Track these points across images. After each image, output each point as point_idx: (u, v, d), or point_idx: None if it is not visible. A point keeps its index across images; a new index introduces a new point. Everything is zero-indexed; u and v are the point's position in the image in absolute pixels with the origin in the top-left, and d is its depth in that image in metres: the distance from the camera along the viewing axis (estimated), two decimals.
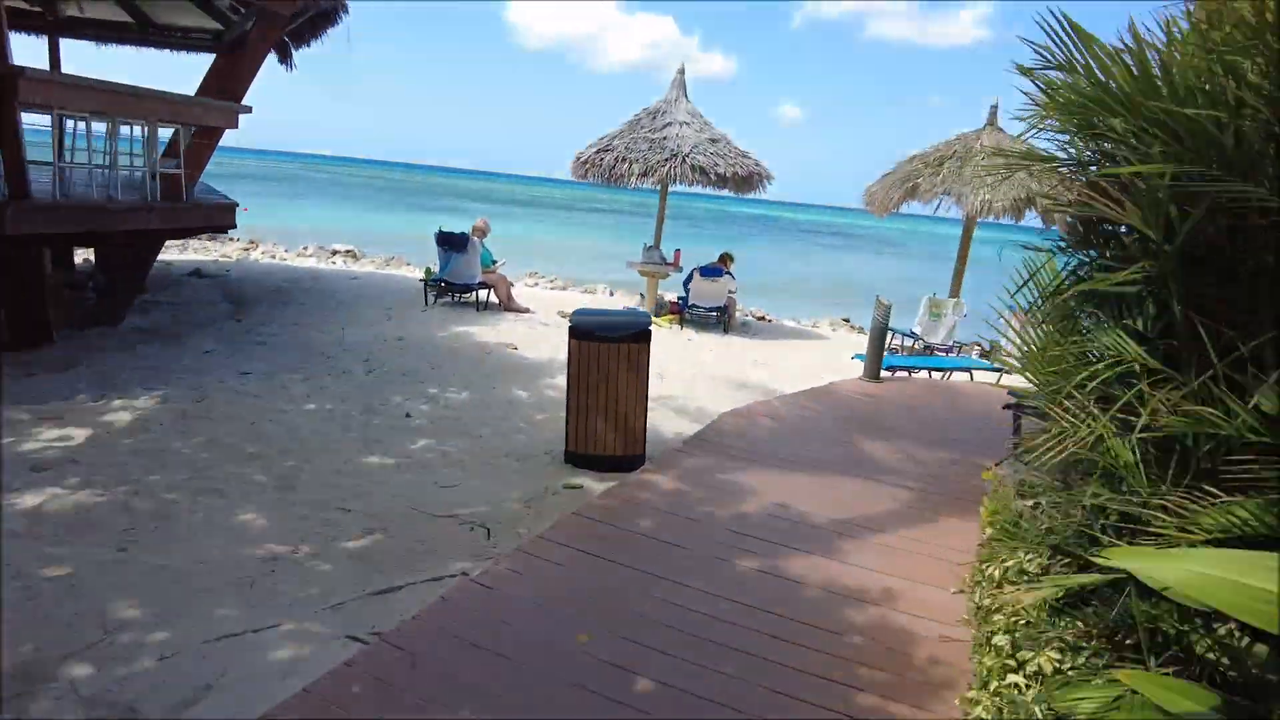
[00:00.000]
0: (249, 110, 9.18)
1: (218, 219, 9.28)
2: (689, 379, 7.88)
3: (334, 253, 17.62)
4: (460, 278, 10.31)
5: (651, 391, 7.37)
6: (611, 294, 15.76)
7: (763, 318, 15.12)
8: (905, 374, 8.91)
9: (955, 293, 12.20)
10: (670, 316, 11.83)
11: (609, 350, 5.00)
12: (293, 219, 30.76)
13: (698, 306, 11.47)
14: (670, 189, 11.85)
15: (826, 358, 10.63)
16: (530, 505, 4.50)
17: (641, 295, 12.68)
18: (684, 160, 10.69)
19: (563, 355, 6.98)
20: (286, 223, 28.60)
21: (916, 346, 11.63)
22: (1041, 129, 3.05)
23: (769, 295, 19.52)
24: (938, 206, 11.86)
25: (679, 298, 11.96)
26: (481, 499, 4.53)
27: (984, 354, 12.59)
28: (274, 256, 15.84)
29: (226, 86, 9.27)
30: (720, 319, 11.62)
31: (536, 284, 16.29)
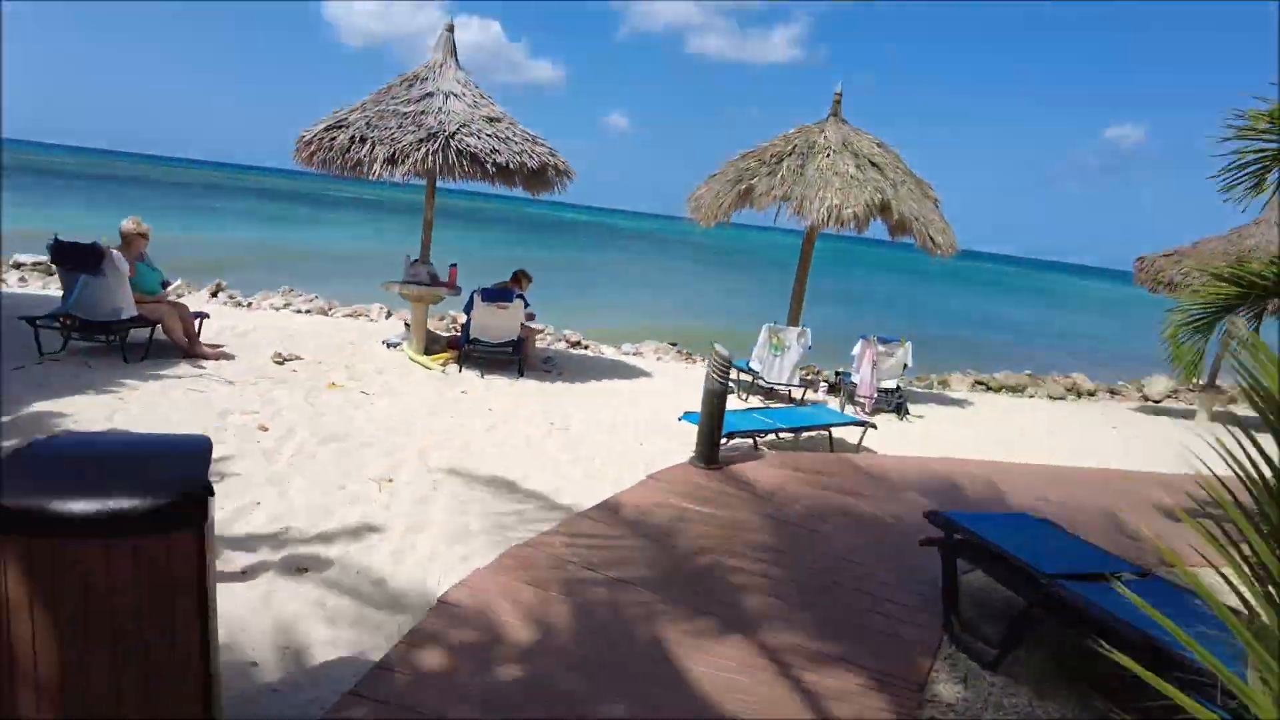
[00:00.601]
0: None
1: None
2: (425, 493, 4.94)
3: (17, 265, 13.00)
4: (96, 311, 6.71)
5: (349, 530, 3.91)
6: (389, 316, 12.48)
7: (578, 344, 12.48)
8: (750, 440, 6.53)
9: (795, 318, 10.13)
10: (445, 355, 8.84)
11: (91, 558, 2.00)
12: (38, 220, 24.45)
13: (482, 341, 8.57)
14: (448, 184, 8.84)
15: (652, 407, 8.10)
16: None
17: (406, 325, 9.58)
18: (449, 143, 7.73)
19: (226, 450, 3.64)
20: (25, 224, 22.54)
21: (757, 382, 9.41)
22: None
23: (586, 316, 16.94)
24: (777, 214, 9.71)
25: (461, 328, 9.02)
26: None
27: (831, 389, 10.60)
28: None
29: None
30: (515, 357, 8.78)
31: (287, 304, 12.64)
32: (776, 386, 9.23)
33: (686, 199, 10.35)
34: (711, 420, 5.27)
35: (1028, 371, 14.67)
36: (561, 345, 12.23)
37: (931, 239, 9.31)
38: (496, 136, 8.05)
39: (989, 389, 13.39)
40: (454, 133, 7.77)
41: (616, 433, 6.89)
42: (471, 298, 8.48)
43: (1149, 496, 6.25)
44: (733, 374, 9.99)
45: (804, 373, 12.66)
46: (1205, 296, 4.67)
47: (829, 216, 8.93)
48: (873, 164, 9.43)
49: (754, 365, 9.27)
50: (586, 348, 12.49)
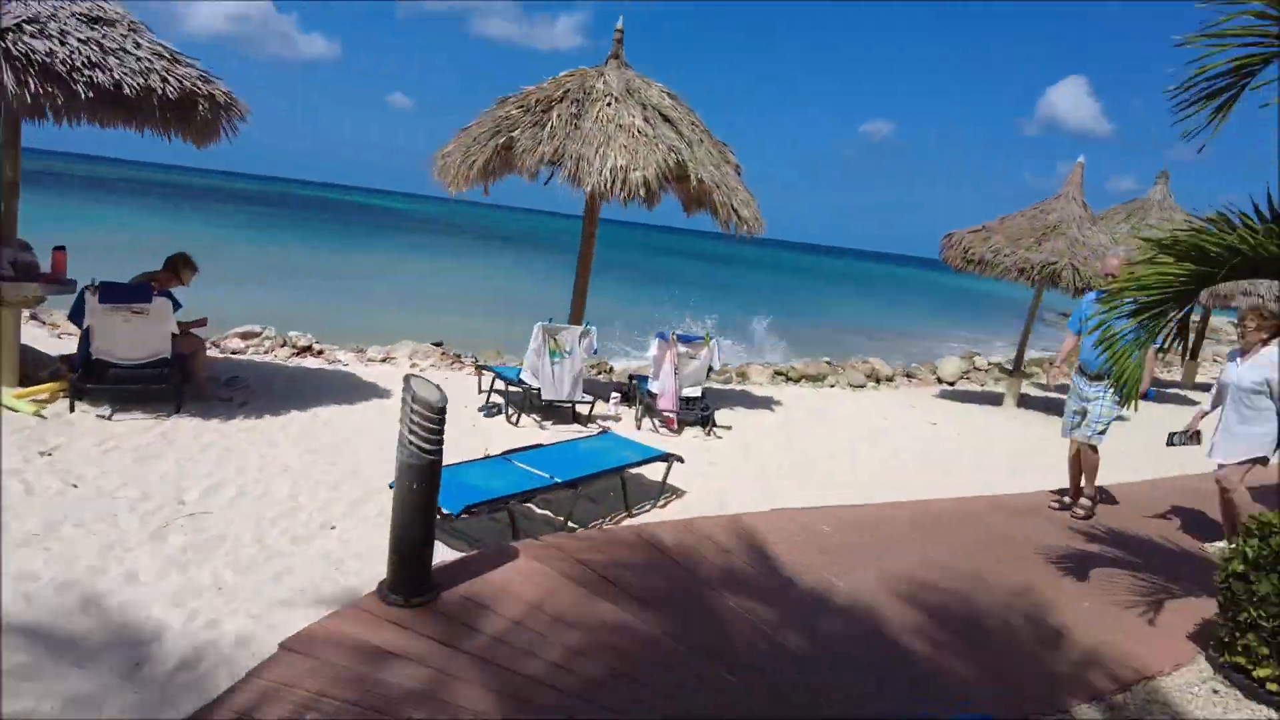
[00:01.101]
0: None
1: None
2: None
3: None
4: None
5: None
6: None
7: (307, 350, 9.57)
8: (501, 508, 4.31)
9: (578, 314, 8.09)
10: (52, 386, 5.79)
11: None
12: None
13: (112, 364, 5.64)
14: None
15: (374, 447, 5.63)
16: None
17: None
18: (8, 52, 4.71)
19: None
20: None
21: (530, 397, 7.21)
22: None
23: (330, 314, 13.89)
24: (548, 180, 7.58)
25: (79, 343, 5.97)
26: None
27: (624, 397, 8.59)
28: None
29: None
30: (166, 384, 5.89)
31: None
32: (558, 403, 7.14)
33: (432, 158, 7.89)
34: (412, 523, 2.94)
35: (826, 358, 13.82)
36: (284, 353, 9.31)
37: (735, 212, 7.62)
38: (100, 45, 5.12)
39: (789, 379, 12.26)
40: (8, 29, 4.76)
41: (296, 510, 4.39)
42: (81, 298, 5.52)
43: (1040, 537, 4.92)
44: (500, 384, 7.80)
45: (593, 370, 10.70)
46: (1150, 280, 3.15)
47: (612, 181, 6.92)
48: (664, 118, 7.56)
49: (526, 377, 7.08)
50: (320, 354, 9.64)
